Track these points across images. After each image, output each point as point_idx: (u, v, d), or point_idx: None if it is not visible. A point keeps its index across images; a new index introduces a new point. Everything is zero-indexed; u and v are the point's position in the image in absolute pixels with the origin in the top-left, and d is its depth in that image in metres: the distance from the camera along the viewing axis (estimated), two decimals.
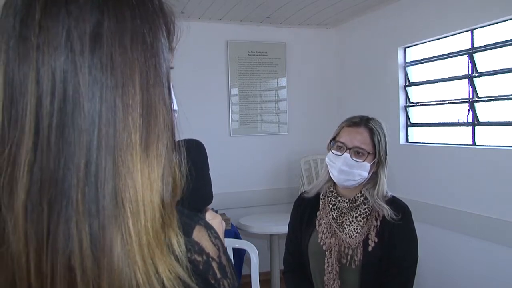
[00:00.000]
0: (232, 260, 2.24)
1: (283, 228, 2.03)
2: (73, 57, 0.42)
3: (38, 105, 0.42)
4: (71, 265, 0.40)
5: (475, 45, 2.70)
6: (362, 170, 1.54)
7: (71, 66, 0.42)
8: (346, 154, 1.54)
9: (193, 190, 0.68)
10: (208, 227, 0.52)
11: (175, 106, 0.58)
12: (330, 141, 1.62)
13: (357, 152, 1.54)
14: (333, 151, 1.59)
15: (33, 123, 0.42)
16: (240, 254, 2.78)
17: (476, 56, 2.69)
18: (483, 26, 2.63)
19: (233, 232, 3.10)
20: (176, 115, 0.59)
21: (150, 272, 0.42)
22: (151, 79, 0.46)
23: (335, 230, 1.57)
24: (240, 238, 2.93)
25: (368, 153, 1.54)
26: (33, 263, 0.41)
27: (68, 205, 0.41)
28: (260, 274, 2.08)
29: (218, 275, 0.50)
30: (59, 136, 0.42)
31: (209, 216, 0.73)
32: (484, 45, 2.63)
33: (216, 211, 3.36)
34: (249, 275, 2.06)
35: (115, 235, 0.42)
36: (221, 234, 0.71)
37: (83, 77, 0.42)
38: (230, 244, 2.22)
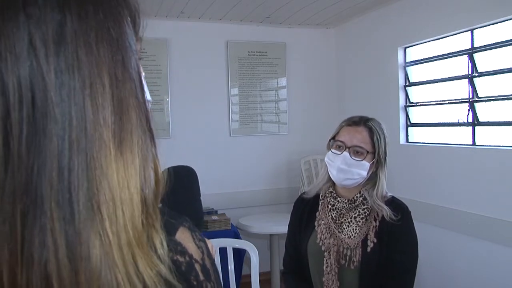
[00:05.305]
0: (232, 260, 2.23)
1: (283, 228, 2.03)
2: (38, 62, 0.41)
3: (6, 117, 0.40)
4: (47, 275, 0.39)
5: (475, 45, 2.70)
6: (361, 169, 1.54)
7: (37, 72, 0.41)
8: (345, 153, 1.54)
9: (182, 213, 0.68)
10: (193, 229, 0.51)
11: (148, 97, 0.56)
12: (330, 140, 1.63)
13: (356, 151, 1.54)
14: (332, 150, 1.60)
15: (1, 136, 0.40)
16: (240, 254, 2.78)
17: (476, 56, 2.69)
18: (483, 26, 2.62)
19: (233, 232, 3.10)
20: (149, 106, 0.58)
21: (130, 272, 0.42)
22: (119, 74, 0.45)
23: (334, 231, 1.57)
24: (240, 238, 2.93)
25: (367, 152, 1.54)
26: (6, 277, 0.39)
27: (42, 213, 0.40)
28: (260, 274, 2.08)
29: (201, 277, 0.49)
30: (30, 145, 0.40)
31: None
32: (484, 45, 2.63)
33: (216, 211, 3.37)
34: (249, 275, 2.06)
35: (92, 239, 0.41)
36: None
37: (50, 82, 0.41)
38: (230, 244, 2.22)
